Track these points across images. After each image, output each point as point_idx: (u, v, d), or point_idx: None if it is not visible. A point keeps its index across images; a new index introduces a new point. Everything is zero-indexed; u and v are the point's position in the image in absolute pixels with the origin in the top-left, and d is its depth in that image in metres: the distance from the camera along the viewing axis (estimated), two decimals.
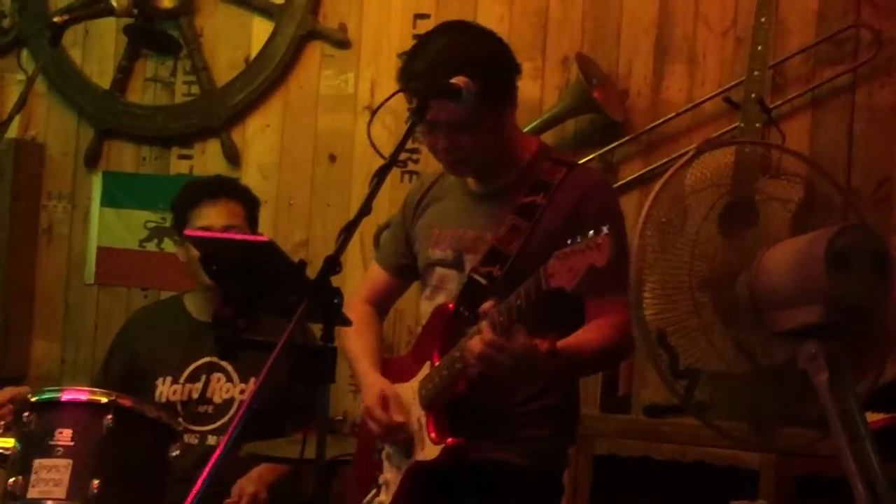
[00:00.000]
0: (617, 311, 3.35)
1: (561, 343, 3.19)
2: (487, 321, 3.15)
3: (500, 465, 3.38)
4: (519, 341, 3.11)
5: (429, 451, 3.33)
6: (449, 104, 3.24)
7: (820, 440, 3.37)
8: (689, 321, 3.32)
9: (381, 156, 3.09)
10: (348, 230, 2.88)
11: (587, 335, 3.33)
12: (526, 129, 4.25)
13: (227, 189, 4.45)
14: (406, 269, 3.67)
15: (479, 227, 3.44)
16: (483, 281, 3.36)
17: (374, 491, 3.49)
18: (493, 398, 3.37)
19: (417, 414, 3.39)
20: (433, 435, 3.33)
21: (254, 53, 5.25)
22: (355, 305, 3.67)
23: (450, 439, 3.30)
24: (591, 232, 2.94)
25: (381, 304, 3.75)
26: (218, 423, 4.33)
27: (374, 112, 3.34)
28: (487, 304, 3.17)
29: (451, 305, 3.41)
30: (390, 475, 3.46)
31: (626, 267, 3.39)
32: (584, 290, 3.02)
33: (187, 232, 3.85)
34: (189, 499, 2.54)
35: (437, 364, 3.37)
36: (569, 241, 2.99)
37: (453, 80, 3.22)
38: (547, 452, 3.45)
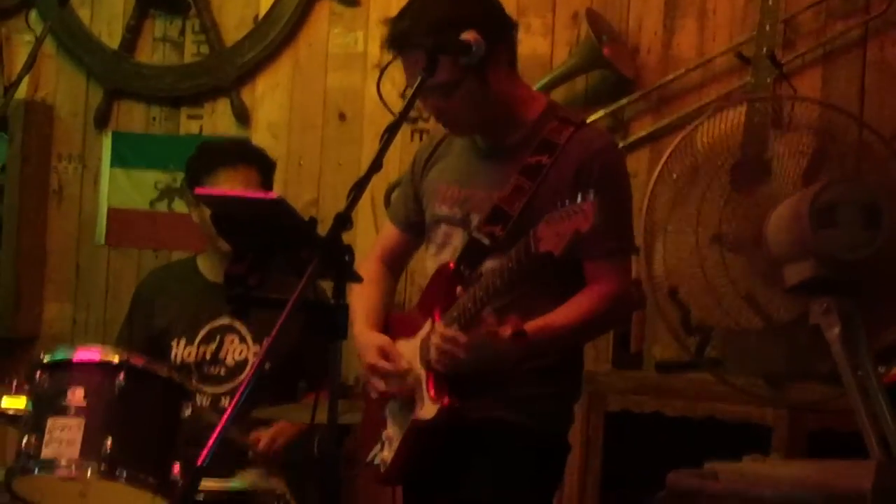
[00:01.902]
0: (611, 276, 3.35)
1: (531, 324, 3.22)
2: (443, 320, 3.26)
3: (501, 423, 3.38)
4: (474, 333, 3.19)
5: (427, 409, 3.34)
6: (457, 60, 3.23)
7: (838, 397, 3.36)
8: (701, 277, 3.32)
9: (391, 112, 3.09)
10: (359, 187, 2.88)
11: (566, 309, 3.34)
12: (536, 86, 4.24)
13: (244, 155, 4.41)
14: (416, 226, 3.65)
15: (487, 186, 3.42)
16: (485, 240, 3.36)
17: (377, 447, 3.51)
18: None
19: (418, 372, 3.41)
20: (432, 393, 3.34)
21: (262, 12, 5.22)
22: (367, 264, 3.67)
23: (446, 399, 3.31)
24: (579, 197, 2.95)
25: (394, 261, 3.75)
26: (231, 385, 4.34)
27: (382, 69, 3.32)
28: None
29: (451, 265, 3.41)
30: (392, 431, 3.47)
31: (629, 229, 3.39)
32: (573, 254, 3.04)
33: (197, 190, 3.85)
34: (202, 457, 2.54)
35: (437, 323, 3.38)
36: (558, 205, 2.99)
37: (463, 36, 3.21)
38: (549, 411, 3.45)
